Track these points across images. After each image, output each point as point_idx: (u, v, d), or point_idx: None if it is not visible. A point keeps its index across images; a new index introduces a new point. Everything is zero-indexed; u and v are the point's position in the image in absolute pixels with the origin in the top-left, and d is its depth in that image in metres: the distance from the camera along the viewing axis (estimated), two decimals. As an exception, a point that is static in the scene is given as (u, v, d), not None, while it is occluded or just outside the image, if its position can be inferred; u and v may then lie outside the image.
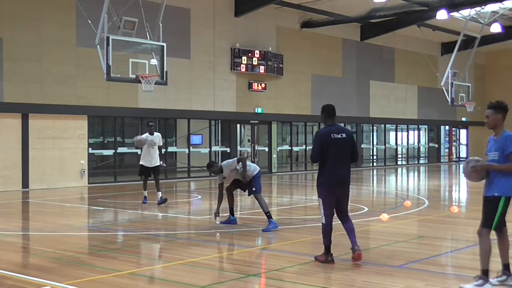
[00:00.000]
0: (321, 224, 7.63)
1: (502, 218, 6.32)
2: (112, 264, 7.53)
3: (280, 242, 9.19)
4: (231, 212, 10.88)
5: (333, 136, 7.49)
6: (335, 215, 7.62)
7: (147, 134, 14.67)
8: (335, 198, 7.50)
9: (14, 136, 18.63)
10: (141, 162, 14.98)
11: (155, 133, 14.74)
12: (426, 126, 36.71)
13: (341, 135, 7.52)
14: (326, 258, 7.52)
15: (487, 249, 6.29)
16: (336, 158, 7.41)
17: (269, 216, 10.22)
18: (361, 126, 31.76)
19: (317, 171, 7.73)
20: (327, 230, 7.53)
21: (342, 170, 7.50)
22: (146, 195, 14.50)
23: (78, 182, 19.96)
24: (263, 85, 25.55)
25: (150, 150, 14.57)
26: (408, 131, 35.38)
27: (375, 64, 31.61)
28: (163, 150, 15.81)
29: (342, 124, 30.48)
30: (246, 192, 10.76)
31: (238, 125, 25.72)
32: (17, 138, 18.67)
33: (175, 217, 12.55)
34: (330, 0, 25.00)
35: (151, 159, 14.60)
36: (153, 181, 14.75)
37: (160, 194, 14.27)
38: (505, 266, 6.47)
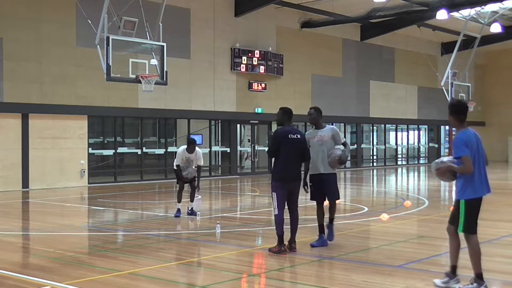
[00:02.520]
0: (274, 215, 8.23)
1: (469, 221, 6.14)
2: (112, 264, 7.53)
3: (280, 242, 9.17)
4: (322, 229, 8.80)
5: (290, 136, 8.27)
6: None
7: (183, 148, 12.13)
8: (287, 192, 8.17)
9: (14, 136, 18.63)
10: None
11: (196, 150, 12.12)
12: (426, 126, 36.71)
13: (296, 136, 8.34)
14: (280, 248, 8.09)
15: (475, 252, 6.16)
16: (290, 156, 8.18)
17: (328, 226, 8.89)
18: (361, 126, 31.75)
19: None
20: (279, 221, 8.12)
21: (294, 167, 8.21)
22: (180, 207, 12.20)
23: (78, 182, 19.96)
24: (263, 85, 25.55)
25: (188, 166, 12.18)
26: (408, 131, 35.38)
27: (375, 64, 31.61)
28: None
29: (342, 124, 30.74)
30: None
31: (238, 125, 25.72)
32: (17, 138, 18.67)
33: (175, 217, 12.53)
34: (330, 0, 25.00)
35: (188, 173, 12.13)
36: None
37: (192, 205, 12.39)
38: (454, 268, 6.38)
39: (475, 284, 6.08)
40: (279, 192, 8.14)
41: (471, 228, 6.14)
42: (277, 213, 8.13)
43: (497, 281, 6.87)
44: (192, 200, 12.31)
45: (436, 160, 6.57)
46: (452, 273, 6.33)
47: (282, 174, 8.16)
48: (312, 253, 8.33)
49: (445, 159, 6.44)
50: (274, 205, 8.20)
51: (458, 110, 6.37)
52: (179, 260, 7.77)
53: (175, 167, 12.14)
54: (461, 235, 6.24)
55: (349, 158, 7.46)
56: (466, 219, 6.13)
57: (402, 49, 33.16)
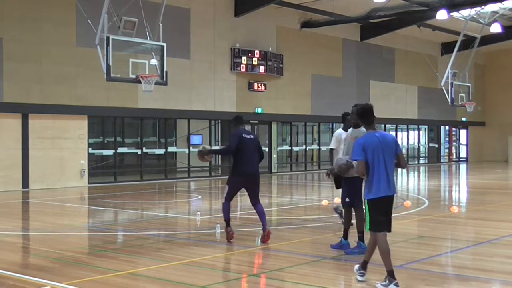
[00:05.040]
0: (222, 203, 9.25)
1: (373, 220, 6.42)
2: (112, 264, 7.53)
3: (280, 242, 9.18)
4: (345, 234, 8.60)
5: (244, 136, 9.15)
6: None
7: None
8: (240, 187, 9.23)
9: (14, 136, 18.63)
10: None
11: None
12: (426, 126, 36.71)
13: (250, 136, 9.25)
14: (228, 230, 9.07)
15: (383, 251, 6.36)
16: (247, 154, 9.04)
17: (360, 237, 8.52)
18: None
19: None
20: (226, 209, 9.13)
21: (252, 164, 9.10)
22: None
23: (78, 182, 19.96)
24: (263, 85, 25.55)
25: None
26: (408, 131, 35.38)
27: (375, 64, 31.61)
28: None
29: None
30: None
31: (238, 125, 25.66)
32: (17, 138, 18.67)
33: (175, 217, 12.55)
34: (330, 0, 25.00)
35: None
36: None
37: (341, 207, 10.66)
38: (365, 263, 6.62)
39: (387, 281, 6.26)
40: (232, 186, 9.17)
41: (375, 227, 6.42)
42: (224, 202, 9.16)
43: (497, 281, 6.88)
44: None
45: (342, 158, 6.96)
46: (391, 277, 6.31)
47: (239, 171, 9.07)
48: (312, 253, 8.34)
49: (346, 158, 6.93)
50: (224, 194, 9.21)
51: (362, 114, 6.65)
52: (179, 260, 7.77)
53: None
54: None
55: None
56: (370, 218, 6.45)
57: (402, 49, 33.16)
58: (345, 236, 8.46)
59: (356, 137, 8.08)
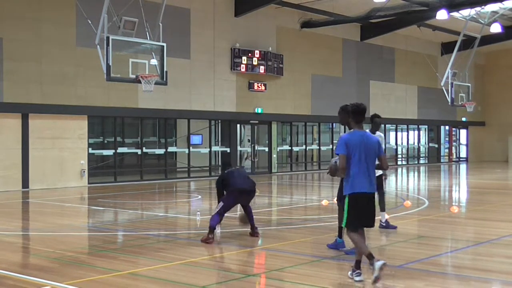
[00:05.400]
0: (213, 215, 9.46)
1: (350, 217, 6.72)
2: (112, 264, 7.53)
3: (280, 242, 9.19)
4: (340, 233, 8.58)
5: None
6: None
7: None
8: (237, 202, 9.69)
9: (14, 136, 18.63)
10: None
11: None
12: (426, 126, 36.71)
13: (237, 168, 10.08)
14: (208, 236, 9.12)
15: (355, 245, 6.75)
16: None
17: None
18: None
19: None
20: (216, 219, 9.31)
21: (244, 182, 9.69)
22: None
23: (78, 182, 19.96)
24: (263, 85, 25.55)
25: None
26: (408, 131, 35.38)
27: (375, 64, 31.61)
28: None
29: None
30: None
31: (238, 125, 25.71)
32: (17, 138, 18.67)
33: (175, 217, 12.55)
34: (330, 0, 25.00)
35: None
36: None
37: (386, 216, 10.40)
38: (358, 263, 6.76)
39: (352, 270, 6.70)
40: (227, 202, 9.42)
41: (351, 224, 6.74)
42: (216, 215, 9.32)
43: (497, 281, 6.88)
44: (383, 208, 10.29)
45: (332, 160, 7.17)
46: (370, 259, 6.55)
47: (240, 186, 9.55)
48: (312, 253, 8.34)
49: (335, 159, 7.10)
50: (217, 209, 9.39)
51: (355, 111, 6.91)
52: (179, 260, 7.77)
53: None
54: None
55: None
56: (348, 214, 6.74)
57: (402, 49, 33.16)
58: (340, 234, 8.47)
59: None
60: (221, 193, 9.64)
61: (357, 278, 6.63)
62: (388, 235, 9.86)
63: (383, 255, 8.12)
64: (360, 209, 6.73)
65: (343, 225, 6.89)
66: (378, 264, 6.36)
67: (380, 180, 9.57)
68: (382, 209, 10.15)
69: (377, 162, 6.98)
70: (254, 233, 9.61)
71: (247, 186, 9.61)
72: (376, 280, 6.38)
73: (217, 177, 10.89)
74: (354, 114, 6.91)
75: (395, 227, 10.19)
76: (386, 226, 10.19)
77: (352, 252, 8.10)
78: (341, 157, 6.71)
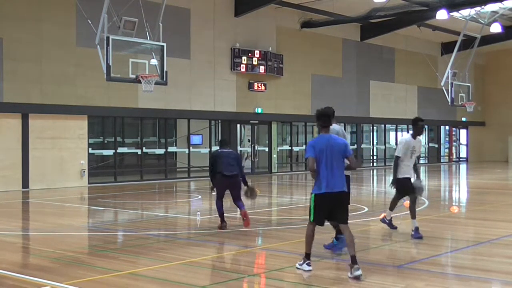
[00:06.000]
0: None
1: (316, 213, 7.09)
2: (112, 264, 7.53)
3: (280, 242, 9.19)
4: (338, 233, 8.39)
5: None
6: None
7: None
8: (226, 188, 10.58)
9: (14, 136, 18.63)
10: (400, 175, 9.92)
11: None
12: (426, 126, 36.66)
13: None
14: (221, 224, 10.35)
15: (308, 235, 7.14)
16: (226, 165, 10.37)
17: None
18: (361, 126, 31.75)
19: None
20: (219, 205, 10.49)
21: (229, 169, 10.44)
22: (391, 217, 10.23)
23: (78, 182, 19.96)
24: (263, 85, 25.55)
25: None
26: (408, 131, 35.34)
27: (375, 64, 31.60)
28: None
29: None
30: None
31: (238, 125, 25.72)
32: (17, 138, 18.67)
33: (175, 217, 12.54)
34: (330, 0, 25.00)
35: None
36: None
37: (416, 223, 9.54)
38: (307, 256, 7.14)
39: (302, 261, 7.11)
40: (218, 187, 10.53)
41: (317, 220, 7.14)
42: (217, 201, 10.49)
43: (497, 281, 6.88)
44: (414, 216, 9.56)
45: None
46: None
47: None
48: (312, 253, 8.32)
49: None
50: (215, 196, 10.61)
51: (319, 116, 7.28)
52: (179, 260, 7.77)
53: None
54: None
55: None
56: (314, 211, 7.10)
57: (402, 49, 33.16)
58: (337, 236, 8.47)
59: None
60: (211, 174, 10.60)
61: (357, 273, 6.67)
62: (388, 235, 9.86)
63: (383, 255, 8.12)
64: (325, 207, 7.08)
65: (310, 220, 7.19)
66: (306, 267, 6.99)
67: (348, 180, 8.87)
68: (413, 216, 9.53)
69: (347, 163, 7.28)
70: (244, 219, 10.46)
71: (228, 172, 10.33)
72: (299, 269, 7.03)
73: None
74: (319, 119, 7.24)
75: (395, 227, 10.16)
76: (389, 224, 10.07)
77: (338, 248, 8.27)
78: (310, 160, 7.04)
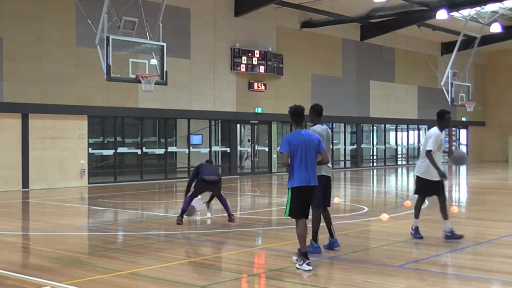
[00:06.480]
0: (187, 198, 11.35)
1: (292, 207, 7.29)
2: (112, 264, 7.53)
3: (280, 242, 9.19)
4: (315, 237, 8.34)
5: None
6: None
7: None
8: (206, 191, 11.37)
9: (14, 136, 18.63)
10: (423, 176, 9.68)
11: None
12: (426, 126, 36.65)
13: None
14: (179, 219, 11.09)
15: (299, 234, 7.31)
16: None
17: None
18: (361, 126, 31.74)
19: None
20: (187, 202, 11.20)
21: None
22: (418, 225, 9.48)
23: (78, 182, 19.96)
24: (263, 85, 25.55)
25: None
26: (408, 131, 35.38)
27: (375, 64, 31.61)
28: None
29: (342, 124, 30.76)
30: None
31: (238, 125, 25.72)
32: (17, 138, 18.67)
33: (175, 217, 12.52)
34: (330, 0, 25.00)
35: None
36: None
37: (449, 224, 9.28)
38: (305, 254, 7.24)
39: (302, 262, 7.13)
40: (196, 188, 11.17)
41: (293, 214, 7.34)
42: (189, 200, 11.13)
43: (497, 281, 6.88)
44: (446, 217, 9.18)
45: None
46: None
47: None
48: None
49: None
50: (189, 194, 11.20)
51: (293, 113, 7.40)
52: (179, 260, 7.77)
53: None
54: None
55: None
56: (290, 205, 7.31)
57: (402, 49, 33.16)
58: (331, 234, 8.43)
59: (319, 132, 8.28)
60: (190, 185, 11.39)
61: (307, 268, 7.02)
62: (388, 235, 9.86)
63: (383, 255, 8.12)
64: (301, 201, 7.30)
65: (286, 215, 7.40)
66: (306, 267, 7.02)
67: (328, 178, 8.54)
68: (445, 217, 9.20)
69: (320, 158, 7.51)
70: (230, 219, 11.08)
71: (208, 177, 11.12)
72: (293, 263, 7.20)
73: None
74: (293, 116, 7.40)
75: (461, 236, 9.05)
76: (451, 236, 9.06)
77: (329, 246, 8.35)
78: (285, 155, 7.28)
